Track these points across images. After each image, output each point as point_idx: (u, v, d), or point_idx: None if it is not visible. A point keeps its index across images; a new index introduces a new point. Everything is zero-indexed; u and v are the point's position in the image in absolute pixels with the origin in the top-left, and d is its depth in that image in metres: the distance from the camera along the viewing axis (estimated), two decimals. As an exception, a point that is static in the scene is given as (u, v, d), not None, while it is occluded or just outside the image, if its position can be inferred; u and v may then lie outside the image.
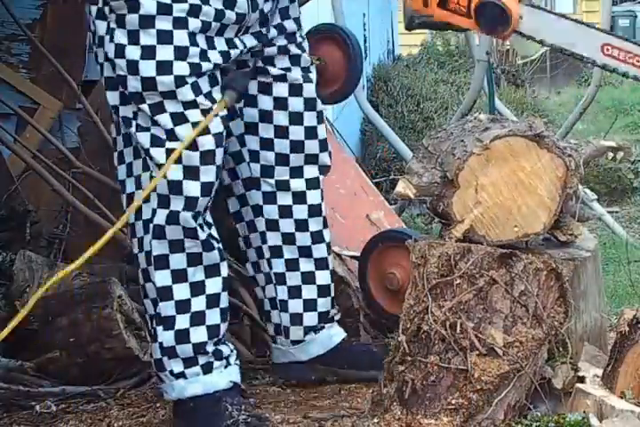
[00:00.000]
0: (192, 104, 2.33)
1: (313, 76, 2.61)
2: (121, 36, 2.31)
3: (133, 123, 2.37)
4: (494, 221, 2.24)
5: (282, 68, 2.55)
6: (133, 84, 2.32)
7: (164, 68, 2.30)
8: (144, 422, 2.59)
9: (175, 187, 2.34)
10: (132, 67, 2.31)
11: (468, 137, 2.27)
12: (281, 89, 2.55)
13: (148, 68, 2.30)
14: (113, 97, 2.39)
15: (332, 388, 2.81)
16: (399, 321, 2.26)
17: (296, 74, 2.56)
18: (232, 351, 2.51)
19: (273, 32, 2.50)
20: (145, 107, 2.33)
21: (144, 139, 2.35)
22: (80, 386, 2.80)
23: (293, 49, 2.56)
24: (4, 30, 3.70)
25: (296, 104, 2.57)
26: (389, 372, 2.26)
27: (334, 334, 2.77)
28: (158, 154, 2.34)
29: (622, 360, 2.18)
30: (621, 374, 2.18)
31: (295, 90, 2.56)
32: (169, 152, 2.30)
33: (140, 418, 2.62)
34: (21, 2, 3.71)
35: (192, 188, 2.35)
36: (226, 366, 2.48)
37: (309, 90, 2.58)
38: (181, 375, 2.43)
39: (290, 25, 2.55)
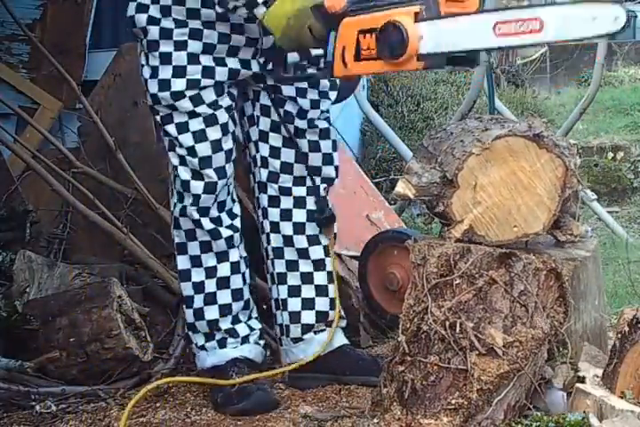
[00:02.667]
0: (193, 114, 2.63)
1: (326, 103, 2.79)
2: (143, 58, 2.66)
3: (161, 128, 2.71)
4: (494, 221, 2.24)
5: (297, 88, 2.73)
6: (149, 99, 2.67)
7: (164, 85, 2.62)
8: (144, 422, 2.59)
9: (185, 185, 2.68)
10: (146, 84, 2.66)
11: (467, 137, 2.27)
12: (290, 107, 2.75)
13: (153, 86, 2.64)
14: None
15: (332, 388, 2.81)
16: (399, 321, 2.26)
17: (307, 100, 2.74)
18: (253, 331, 2.80)
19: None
20: (158, 118, 2.67)
21: (165, 142, 2.71)
22: (80, 386, 2.80)
23: (310, 70, 2.67)
24: (4, 30, 3.71)
25: (301, 123, 2.76)
26: (389, 372, 2.26)
27: (334, 338, 2.85)
28: (172, 157, 2.69)
29: (622, 360, 2.18)
30: (621, 374, 2.18)
31: (301, 113, 2.76)
32: (179, 157, 2.66)
33: (140, 418, 2.62)
34: (21, 2, 3.72)
35: (197, 186, 2.67)
36: (242, 343, 2.77)
37: (314, 113, 2.77)
38: (203, 348, 2.79)
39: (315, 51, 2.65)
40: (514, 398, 2.18)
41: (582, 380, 2.23)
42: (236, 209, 2.77)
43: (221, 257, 2.74)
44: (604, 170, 7.24)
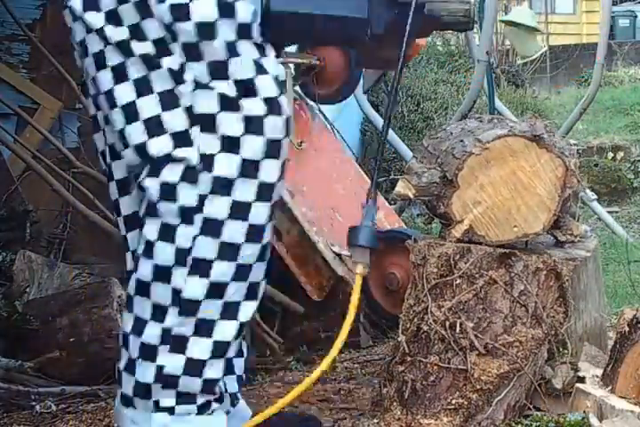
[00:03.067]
0: (264, 51, 1.80)
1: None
2: None
3: (187, 81, 1.79)
4: (494, 222, 2.24)
5: None
6: (187, 30, 1.76)
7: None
8: (144, 422, 2.59)
9: None
10: (184, 10, 1.75)
11: (467, 137, 2.27)
12: None
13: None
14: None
15: (333, 388, 2.81)
16: (399, 321, 2.26)
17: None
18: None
19: None
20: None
21: (207, 100, 1.75)
22: (80, 386, 2.80)
23: None
24: (4, 30, 3.71)
25: None
26: (389, 372, 2.26)
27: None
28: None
29: (622, 360, 2.18)
30: (621, 374, 2.18)
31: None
32: (245, 119, 1.78)
33: (139, 418, 2.62)
34: (21, 2, 3.72)
35: None
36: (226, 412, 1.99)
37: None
38: (167, 410, 1.90)
39: None
40: (514, 398, 2.18)
41: (582, 380, 2.23)
42: None
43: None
44: (604, 170, 7.25)
